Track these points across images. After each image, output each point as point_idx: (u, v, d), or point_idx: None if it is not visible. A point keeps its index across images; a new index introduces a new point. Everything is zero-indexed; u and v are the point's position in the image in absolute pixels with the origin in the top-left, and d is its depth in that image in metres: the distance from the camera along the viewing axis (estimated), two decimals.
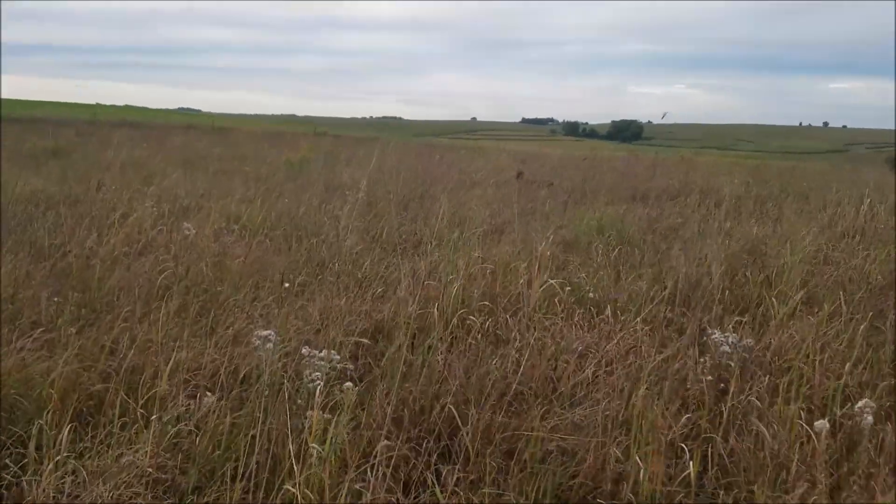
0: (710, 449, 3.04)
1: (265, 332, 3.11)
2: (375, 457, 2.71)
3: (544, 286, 4.44)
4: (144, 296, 4.59)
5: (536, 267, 3.99)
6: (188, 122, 37.40)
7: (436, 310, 4.06)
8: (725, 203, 8.23)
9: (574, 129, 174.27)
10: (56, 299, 4.05)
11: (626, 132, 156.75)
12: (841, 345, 4.02)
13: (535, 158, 24.31)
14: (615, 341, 3.90)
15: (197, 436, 2.89)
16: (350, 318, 4.22)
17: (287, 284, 4.96)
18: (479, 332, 4.09)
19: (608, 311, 4.33)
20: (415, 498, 2.80)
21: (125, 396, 3.08)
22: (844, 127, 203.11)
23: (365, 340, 3.92)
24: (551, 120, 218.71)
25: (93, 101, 61.36)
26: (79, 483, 2.59)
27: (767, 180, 13.15)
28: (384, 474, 2.66)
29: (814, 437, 2.86)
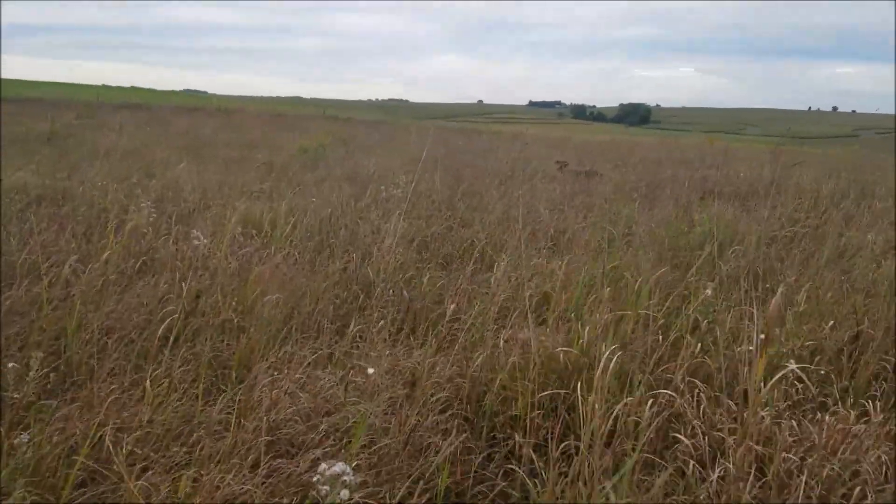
0: None
1: (334, 468, 1.88)
2: None
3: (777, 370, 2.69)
4: (139, 349, 3.36)
5: (758, 330, 2.55)
6: (193, 105, 36.16)
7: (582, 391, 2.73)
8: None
9: (582, 113, 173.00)
10: (12, 364, 2.82)
11: (634, 116, 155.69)
12: None
13: (560, 144, 23.01)
14: None
15: None
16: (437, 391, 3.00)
17: (332, 325, 3.73)
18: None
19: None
20: None
21: None
22: (853, 112, 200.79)
23: None
24: (558, 103, 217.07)
25: (98, 83, 60.13)
26: None
27: (837, 172, 11.80)
28: None
29: None
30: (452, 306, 3.92)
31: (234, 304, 4.02)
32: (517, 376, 2.99)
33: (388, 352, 3.43)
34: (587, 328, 3.24)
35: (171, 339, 3.45)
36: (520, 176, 10.04)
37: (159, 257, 4.91)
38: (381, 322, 3.92)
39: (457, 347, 3.37)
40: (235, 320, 3.81)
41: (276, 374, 3.05)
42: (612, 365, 2.56)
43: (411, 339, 3.85)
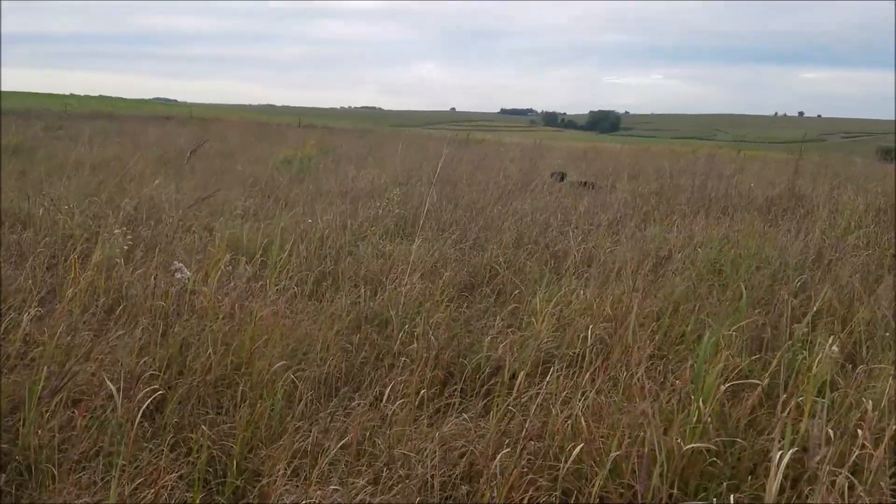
0: None
1: None
2: None
3: None
4: (112, 429, 2.66)
5: None
6: (165, 113, 35.17)
7: None
8: None
9: (553, 120, 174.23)
10: None
11: (605, 122, 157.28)
12: None
13: (544, 152, 22.46)
14: None
15: None
16: None
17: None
18: None
19: None
20: None
21: None
22: (819, 116, 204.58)
23: None
24: (530, 110, 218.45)
25: (66, 92, 58.64)
26: None
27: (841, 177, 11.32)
28: None
29: None
30: (496, 354, 3.28)
31: (227, 356, 3.34)
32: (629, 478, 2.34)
33: (430, 429, 2.77)
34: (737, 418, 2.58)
35: (154, 406, 2.77)
36: (517, 187, 9.43)
37: (134, 295, 4.20)
38: (410, 375, 3.27)
39: (523, 426, 2.71)
40: (232, 383, 3.13)
41: (296, 481, 2.37)
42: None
43: (450, 398, 3.19)
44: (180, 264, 4.45)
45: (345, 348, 3.66)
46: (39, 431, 2.55)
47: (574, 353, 3.46)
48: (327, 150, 16.54)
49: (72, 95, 54.17)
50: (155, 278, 4.30)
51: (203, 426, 2.72)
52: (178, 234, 5.73)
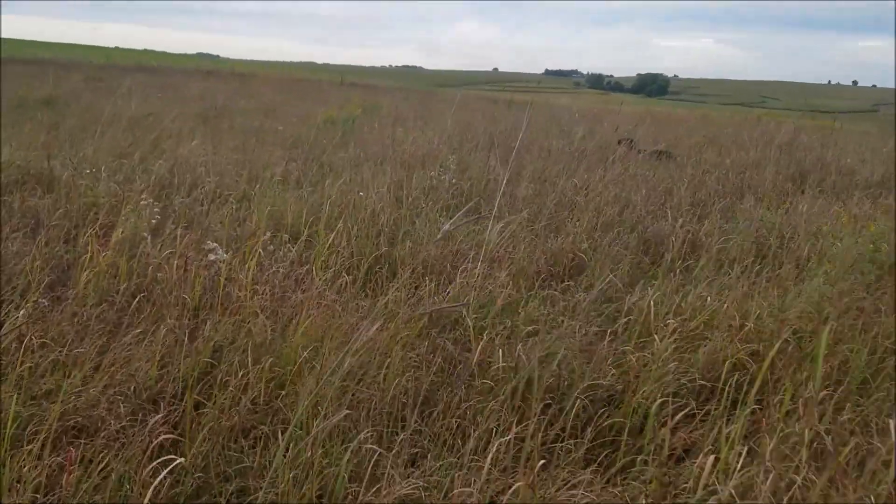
0: None
1: None
2: None
3: None
4: (121, 475, 2.01)
5: None
6: (207, 68, 34.61)
7: None
8: None
9: (599, 82, 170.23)
10: None
11: (653, 86, 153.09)
12: None
13: (600, 117, 21.37)
14: None
15: None
16: None
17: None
18: None
19: None
20: None
21: None
22: (874, 86, 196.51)
23: None
24: (575, 72, 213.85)
25: (111, 45, 58.69)
26: None
27: None
28: None
29: None
30: (604, 379, 2.55)
31: (265, 372, 2.67)
32: None
33: (527, 489, 2.06)
34: None
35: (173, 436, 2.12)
36: (584, 156, 8.58)
37: (162, 280, 3.55)
38: (495, 404, 2.56)
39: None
40: (272, 410, 2.46)
41: None
42: None
43: (552, 440, 2.48)
44: (215, 244, 3.80)
45: (410, 362, 2.96)
46: (9, 491, 1.91)
47: (706, 382, 2.70)
48: (371, 110, 15.77)
49: (116, 49, 54.08)
50: (186, 261, 3.64)
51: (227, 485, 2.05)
52: (214, 205, 5.06)
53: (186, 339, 2.90)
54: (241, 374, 2.62)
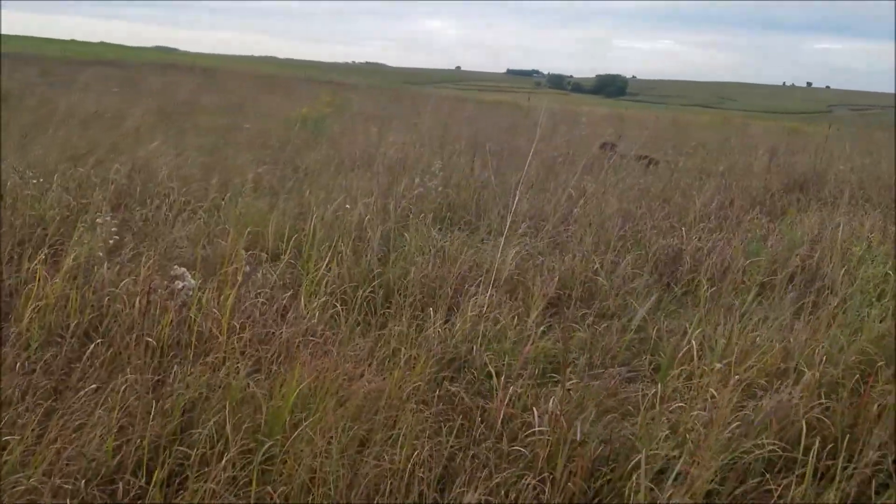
0: None
1: None
2: None
3: None
4: None
5: None
6: (166, 61, 33.49)
7: None
8: None
9: (559, 83, 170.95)
10: None
11: (612, 87, 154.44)
12: None
13: (569, 118, 21.10)
14: None
15: None
16: None
17: None
18: None
19: None
20: None
21: None
22: (828, 87, 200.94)
23: None
24: (536, 72, 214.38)
25: (67, 38, 56.87)
26: None
27: None
28: None
29: None
30: (652, 448, 2.12)
31: (250, 438, 2.19)
32: None
33: None
34: None
35: None
36: (570, 161, 8.19)
37: (120, 314, 3.01)
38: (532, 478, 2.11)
39: None
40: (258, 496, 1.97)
41: None
42: None
43: None
44: (182, 269, 3.28)
45: (419, 416, 2.48)
46: None
47: (779, 450, 2.28)
48: (341, 107, 15.19)
49: (72, 41, 52.45)
50: (149, 290, 3.11)
51: None
52: (180, 217, 4.52)
53: (151, 392, 2.39)
54: (220, 446, 2.12)
